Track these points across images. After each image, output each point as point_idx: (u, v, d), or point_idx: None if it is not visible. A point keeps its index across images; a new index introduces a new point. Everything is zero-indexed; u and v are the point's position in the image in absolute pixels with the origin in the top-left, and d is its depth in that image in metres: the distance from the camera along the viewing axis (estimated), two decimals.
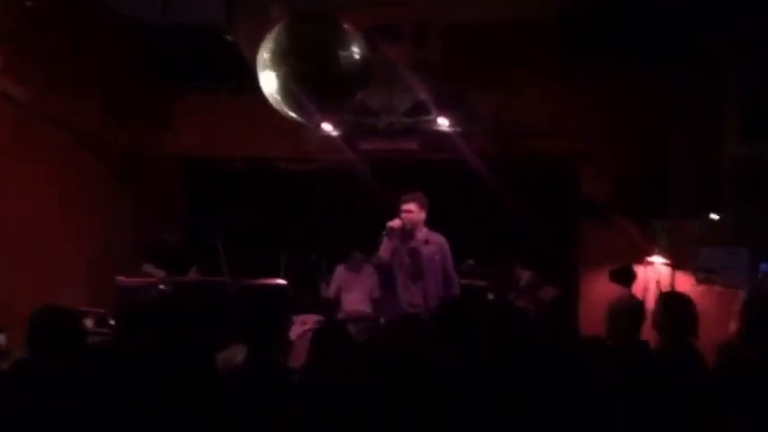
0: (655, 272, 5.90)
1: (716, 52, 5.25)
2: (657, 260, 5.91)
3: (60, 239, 5.37)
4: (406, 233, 4.32)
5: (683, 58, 5.62)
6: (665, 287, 5.63)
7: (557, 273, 5.88)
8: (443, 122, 6.13)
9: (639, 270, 5.77)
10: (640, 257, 5.91)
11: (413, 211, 4.31)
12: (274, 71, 3.86)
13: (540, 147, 6.31)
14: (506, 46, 6.20)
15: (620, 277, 5.34)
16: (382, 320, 5.23)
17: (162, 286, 5.00)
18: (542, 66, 6.15)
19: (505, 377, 2.37)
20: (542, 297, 5.35)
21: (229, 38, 5.49)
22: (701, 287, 5.31)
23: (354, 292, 5.94)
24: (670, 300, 3.26)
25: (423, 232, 4.37)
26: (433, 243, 4.35)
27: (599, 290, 5.80)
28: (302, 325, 4.99)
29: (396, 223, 4.28)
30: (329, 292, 5.99)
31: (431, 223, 5.83)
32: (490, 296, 5.39)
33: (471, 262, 5.57)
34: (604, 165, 6.18)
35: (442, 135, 6.25)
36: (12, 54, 4.78)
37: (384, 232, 4.32)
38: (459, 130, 6.21)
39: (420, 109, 6.15)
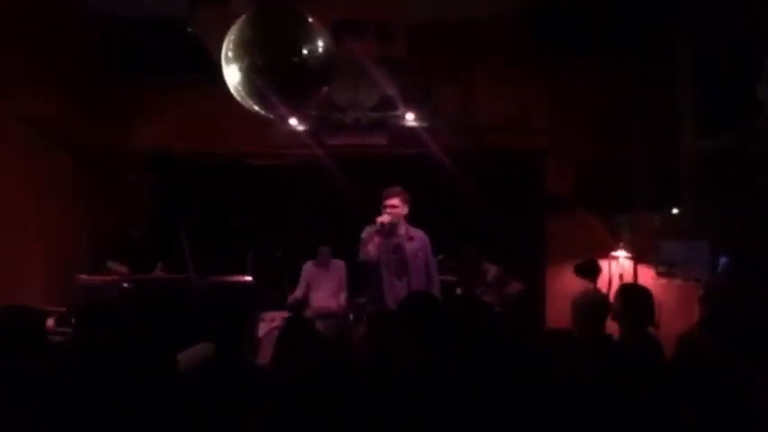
0: (618, 266, 6.03)
1: (673, 47, 5.37)
2: (621, 254, 6.04)
3: (22, 236, 5.23)
4: (392, 229, 4.28)
5: (643, 54, 5.74)
6: (628, 281, 5.76)
7: (523, 267, 5.97)
8: (410, 118, 6.16)
9: (604, 264, 5.90)
10: (605, 252, 6.04)
11: (397, 206, 4.29)
12: (237, 64, 3.80)
13: (504, 142, 6.39)
14: (471, 42, 6.25)
15: (584, 271, 5.44)
16: (351, 317, 5.24)
17: (125, 284, 4.90)
18: (506, 62, 6.23)
19: (473, 371, 2.40)
20: (508, 292, 5.41)
21: (190, 30, 5.39)
22: (662, 281, 5.45)
23: (323, 289, 5.92)
24: (628, 291, 3.35)
25: (404, 228, 4.35)
26: (416, 239, 4.33)
27: (565, 284, 5.92)
28: (270, 322, 4.97)
29: (385, 219, 4.26)
30: (297, 289, 5.95)
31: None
32: (458, 291, 5.44)
33: (441, 257, 5.60)
34: (568, 160, 6.28)
35: (409, 130, 6.28)
36: None
37: (370, 228, 4.27)
38: (425, 125, 6.25)
39: (387, 104, 6.16)
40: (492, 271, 5.47)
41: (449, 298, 4.54)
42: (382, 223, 4.24)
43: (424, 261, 4.33)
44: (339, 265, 5.96)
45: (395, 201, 4.30)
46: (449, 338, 2.63)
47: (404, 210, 4.31)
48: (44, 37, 5.35)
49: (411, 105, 6.10)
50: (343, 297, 5.83)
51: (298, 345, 2.85)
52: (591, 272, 5.43)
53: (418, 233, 4.39)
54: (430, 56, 6.16)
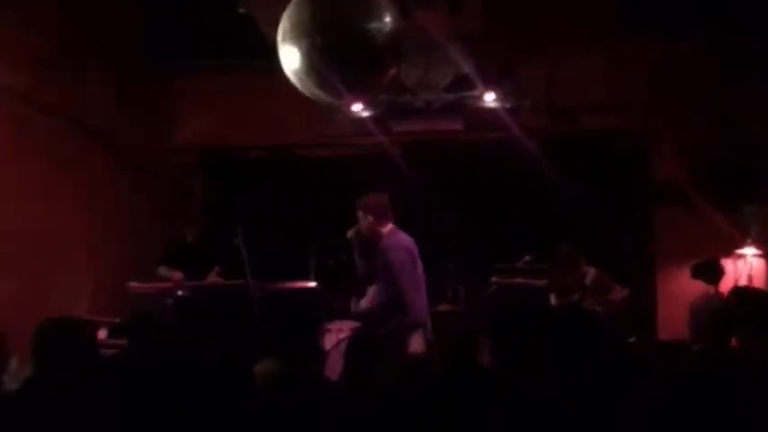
0: (746, 265, 5.79)
1: None
2: (749, 251, 5.79)
3: (67, 243, 5.48)
4: (366, 242, 4.44)
5: (760, 17, 5.47)
6: (759, 283, 5.52)
7: (628, 269, 5.82)
8: (489, 98, 6.10)
9: (727, 264, 5.65)
10: (729, 249, 5.80)
11: (358, 218, 4.44)
12: (296, 46, 3.88)
13: (600, 123, 6.25)
14: (555, 8, 6.12)
15: (704, 273, 5.23)
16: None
17: (180, 292, 5.10)
18: (600, 30, 6.06)
19: (572, 394, 2.36)
20: (611, 298, 5.28)
21: (242, 10, 5.54)
22: None
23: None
24: (743, 296, 3.21)
25: (384, 237, 4.42)
26: (380, 249, 4.40)
27: (679, 288, 5.74)
28: (338, 333, 5.04)
29: (350, 233, 4.49)
30: (365, 298, 5.98)
31: (478, 214, 5.79)
32: (552, 297, 5.35)
33: (528, 258, 5.54)
34: (677, 142, 6.07)
35: (488, 112, 6.22)
36: (5, 42, 4.86)
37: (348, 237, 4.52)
38: (507, 105, 6.18)
39: (463, 84, 6.12)
40: (591, 274, 5.35)
41: (544, 308, 4.48)
42: (349, 238, 4.49)
43: (382, 272, 4.36)
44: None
45: (357, 214, 4.45)
46: (546, 357, 2.59)
47: (365, 221, 4.41)
48: (76, 25, 5.56)
49: (490, 83, 6.05)
50: None
51: (367, 362, 2.88)
52: (712, 273, 5.20)
53: (386, 240, 4.41)
54: (509, 26, 6.08)
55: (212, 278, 5.63)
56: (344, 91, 3.87)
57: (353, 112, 6.21)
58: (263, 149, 6.94)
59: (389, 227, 4.42)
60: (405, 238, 4.41)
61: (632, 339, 4.89)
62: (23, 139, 5.12)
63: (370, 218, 4.38)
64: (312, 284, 5.11)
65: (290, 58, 3.91)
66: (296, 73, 3.92)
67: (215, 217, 6.68)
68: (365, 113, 6.29)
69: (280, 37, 3.98)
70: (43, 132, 5.30)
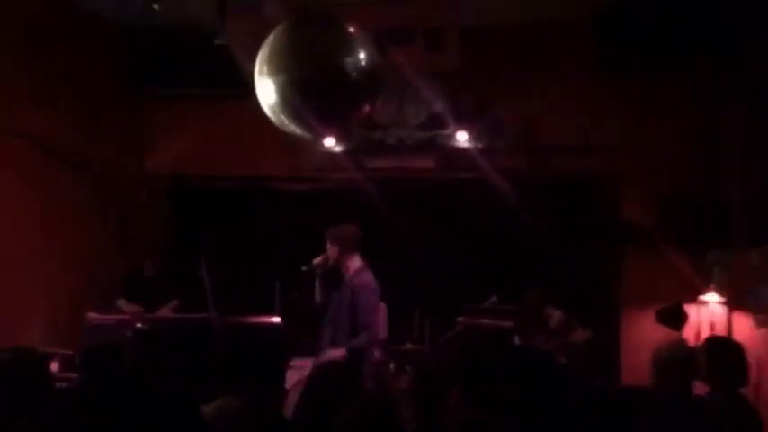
0: (709, 312, 5.90)
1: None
2: (712, 299, 5.90)
3: (20, 268, 5.43)
4: (332, 271, 4.47)
5: (734, 64, 5.69)
6: (721, 331, 5.63)
7: (594, 312, 5.90)
8: (462, 137, 6.21)
9: (691, 310, 5.77)
10: (692, 295, 5.91)
11: (327, 248, 4.49)
12: (272, 79, 3.94)
13: (573, 164, 6.39)
14: (534, 50, 6.31)
15: (668, 318, 5.35)
16: (392, 366, 5.26)
17: (138, 324, 5.04)
18: (575, 72, 6.26)
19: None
20: (573, 340, 5.35)
21: (219, 41, 5.60)
22: (762, 330, 5.31)
23: None
24: (715, 346, 3.32)
25: (351, 273, 4.46)
26: (350, 286, 4.44)
27: (643, 333, 5.83)
28: (301, 371, 5.01)
29: (317, 259, 4.49)
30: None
31: (448, 253, 5.78)
32: (516, 339, 5.41)
33: (494, 299, 5.60)
34: (648, 186, 6.22)
35: (461, 152, 6.33)
36: None
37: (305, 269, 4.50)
38: (480, 145, 6.29)
39: (436, 122, 6.24)
40: (555, 316, 5.43)
41: (506, 348, 4.53)
42: (315, 264, 4.49)
43: (348, 311, 4.37)
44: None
45: (327, 243, 4.49)
46: (506, 394, 2.64)
47: (333, 251, 4.45)
48: (50, 51, 5.60)
49: (463, 122, 6.17)
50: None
51: (326, 399, 2.88)
52: (676, 319, 5.33)
53: (357, 279, 4.44)
54: (485, 66, 6.24)
55: (164, 312, 5.60)
56: (318, 125, 3.95)
57: (326, 146, 6.28)
58: (235, 180, 6.95)
59: (358, 262, 4.43)
60: (373, 279, 4.45)
61: (596, 383, 4.95)
62: None
63: (338, 248, 4.41)
64: (276, 320, 5.09)
65: (266, 91, 3.97)
66: (271, 106, 3.98)
67: (179, 248, 6.64)
68: (338, 148, 6.36)
69: (257, 69, 4.04)
70: (9, 153, 5.27)
